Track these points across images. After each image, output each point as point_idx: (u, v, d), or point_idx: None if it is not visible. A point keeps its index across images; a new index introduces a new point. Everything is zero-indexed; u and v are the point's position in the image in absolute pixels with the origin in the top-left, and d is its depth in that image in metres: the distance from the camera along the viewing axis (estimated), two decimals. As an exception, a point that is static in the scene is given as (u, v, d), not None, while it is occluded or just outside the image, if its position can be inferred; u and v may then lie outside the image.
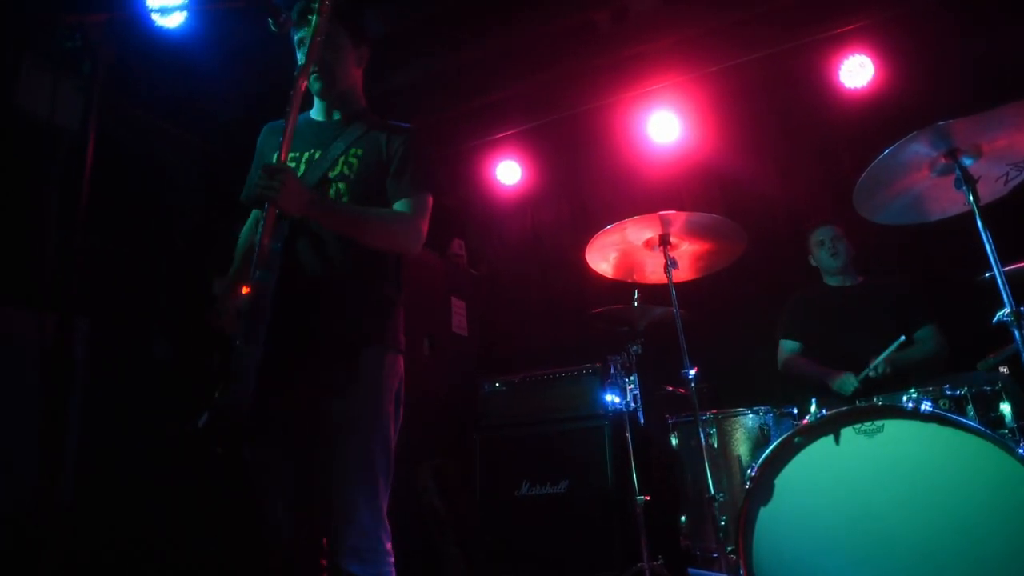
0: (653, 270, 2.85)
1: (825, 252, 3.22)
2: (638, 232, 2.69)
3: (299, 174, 1.85)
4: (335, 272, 1.77)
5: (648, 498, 2.72)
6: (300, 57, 1.86)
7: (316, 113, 2.02)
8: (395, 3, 3.52)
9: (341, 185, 1.82)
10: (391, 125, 1.93)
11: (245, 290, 1.70)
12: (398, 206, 1.83)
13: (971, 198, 2.05)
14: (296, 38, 1.90)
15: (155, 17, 2.49)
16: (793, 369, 3.13)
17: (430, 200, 1.88)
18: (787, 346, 3.22)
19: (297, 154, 1.90)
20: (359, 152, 1.87)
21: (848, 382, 2.75)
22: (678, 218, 2.60)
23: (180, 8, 2.50)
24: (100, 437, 3.15)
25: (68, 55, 1.26)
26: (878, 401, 2.20)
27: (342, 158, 1.86)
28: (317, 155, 1.88)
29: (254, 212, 2.05)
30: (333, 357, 1.70)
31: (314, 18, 1.68)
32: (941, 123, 1.97)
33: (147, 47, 2.72)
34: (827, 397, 2.67)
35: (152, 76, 3.08)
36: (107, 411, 3.20)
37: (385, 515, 1.66)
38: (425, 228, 1.85)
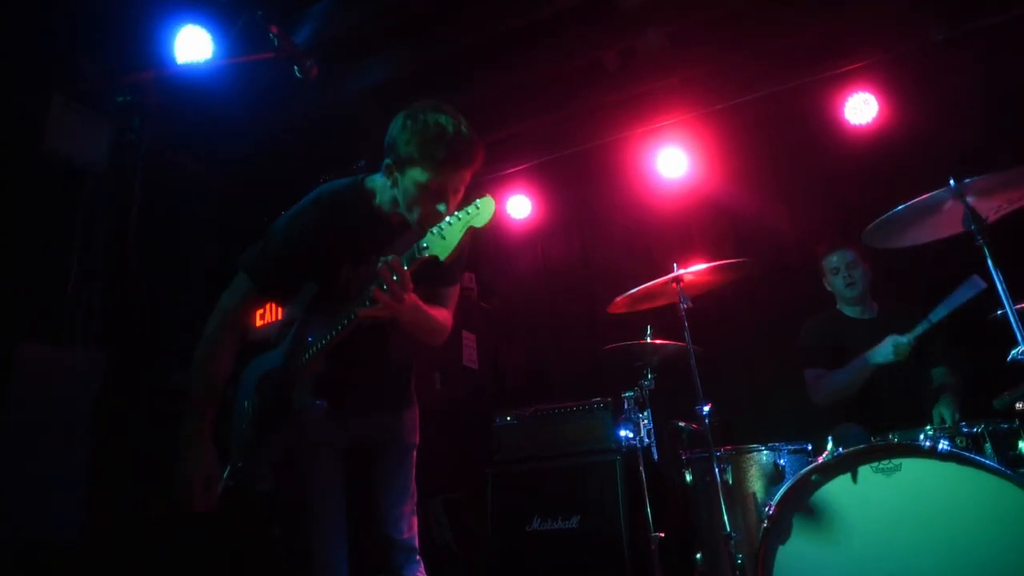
0: (662, 297, 2.87)
1: (840, 280, 3.09)
2: (658, 287, 2.74)
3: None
4: (383, 363, 1.99)
5: (663, 535, 2.71)
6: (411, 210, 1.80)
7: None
8: (411, 44, 3.63)
9: None
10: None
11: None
12: (441, 312, 1.96)
13: (980, 239, 2.08)
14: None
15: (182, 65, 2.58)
16: (829, 384, 2.97)
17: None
18: (814, 372, 3.10)
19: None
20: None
21: (897, 345, 2.65)
22: (692, 270, 2.65)
23: (206, 60, 2.59)
24: (113, 467, 3.17)
25: (118, 109, 1.32)
26: (894, 438, 2.20)
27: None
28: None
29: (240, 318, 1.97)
30: (383, 422, 1.98)
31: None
32: (965, 181, 2.00)
33: (172, 89, 2.81)
34: (841, 431, 2.67)
35: (176, 117, 3.17)
36: (121, 441, 3.21)
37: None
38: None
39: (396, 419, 2.01)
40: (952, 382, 2.87)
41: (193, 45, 2.70)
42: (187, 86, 2.61)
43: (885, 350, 2.70)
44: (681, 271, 2.68)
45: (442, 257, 1.57)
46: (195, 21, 2.69)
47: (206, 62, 2.58)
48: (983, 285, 2.31)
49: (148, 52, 2.58)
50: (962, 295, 2.44)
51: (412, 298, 1.67)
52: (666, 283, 2.73)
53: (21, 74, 2.59)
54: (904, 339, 2.66)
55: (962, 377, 2.90)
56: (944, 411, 2.66)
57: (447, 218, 1.59)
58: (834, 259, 3.13)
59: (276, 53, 1.78)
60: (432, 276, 1.85)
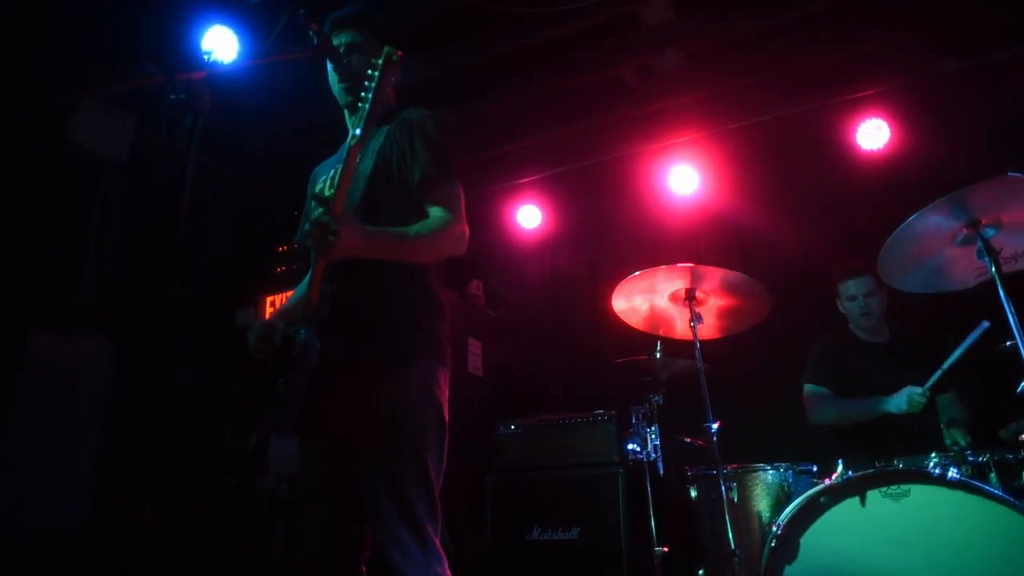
0: (678, 326, 2.91)
1: (856, 308, 3.07)
2: (665, 283, 2.76)
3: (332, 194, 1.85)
4: (376, 293, 1.75)
5: (667, 550, 2.72)
6: (332, 76, 1.94)
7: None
8: (434, 52, 3.66)
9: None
10: (400, 112, 1.91)
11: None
12: (434, 211, 1.78)
13: (993, 269, 2.12)
14: (338, 43, 1.93)
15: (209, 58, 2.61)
16: (832, 410, 2.99)
17: (461, 191, 1.83)
18: (816, 390, 3.11)
19: (331, 174, 1.92)
20: (381, 160, 1.83)
21: (912, 397, 2.64)
22: (705, 272, 2.67)
23: (235, 59, 2.61)
24: (121, 460, 3.17)
25: (171, 107, 1.34)
26: (899, 464, 2.22)
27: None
28: None
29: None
30: (370, 370, 1.68)
31: (375, 77, 1.64)
32: (958, 191, 2.04)
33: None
34: (847, 454, 2.69)
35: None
36: (129, 434, 3.22)
37: (435, 541, 1.62)
38: (466, 225, 1.80)
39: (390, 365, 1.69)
40: (959, 413, 2.88)
41: (221, 45, 2.73)
42: (211, 84, 2.65)
43: (899, 401, 2.69)
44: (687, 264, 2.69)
45: (359, 132, 1.58)
46: (224, 21, 2.72)
47: (236, 60, 2.60)
48: (988, 325, 2.42)
49: (182, 51, 2.60)
50: (972, 338, 2.49)
51: (350, 231, 1.54)
52: (677, 303, 2.78)
53: (51, 67, 2.61)
54: (919, 391, 2.64)
55: (968, 406, 2.92)
56: (957, 436, 2.68)
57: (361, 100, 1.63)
58: (852, 286, 3.08)
59: (316, 51, 1.80)
60: (400, 180, 1.79)
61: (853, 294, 3.08)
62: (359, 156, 1.72)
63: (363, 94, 1.63)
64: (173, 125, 1.37)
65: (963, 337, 2.51)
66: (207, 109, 1.40)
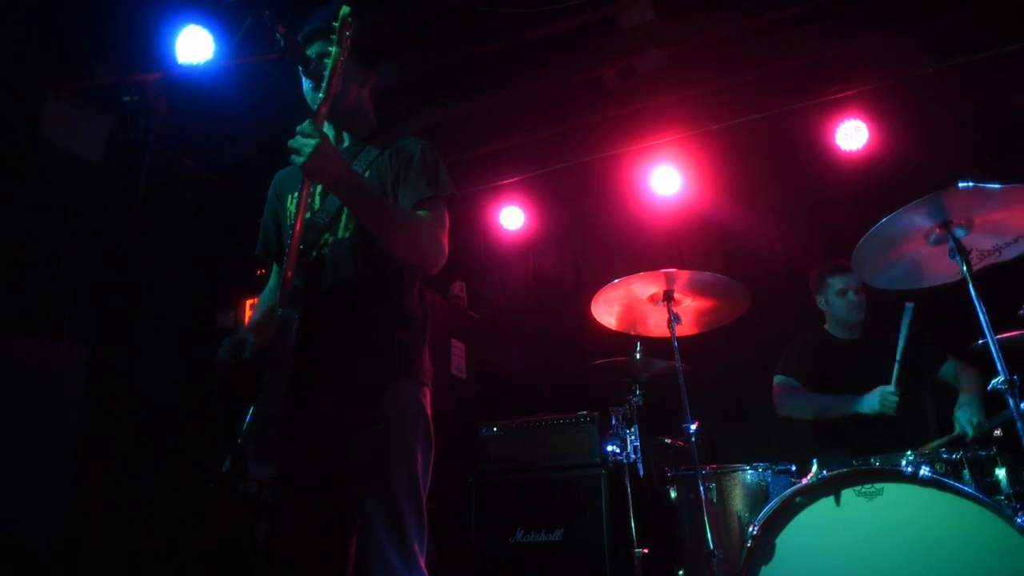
0: (656, 324, 2.92)
1: (846, 304, 3.05)
2: (643, 287, 2.77)
3: (315, 207, 1.84)
4: (358, 306, 1.74)
5: (647, 551, 2.73)
6: (305, 82, 1.90)
7: None
8: (414, 53, 3.65)
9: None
10: (396, 140, 1.91)
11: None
12: (420, 212, 1.77)
13: (964, 268, 2.15)
14: (311, 53, 1.91)
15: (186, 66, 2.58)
16: (803, 403, 2.96)
17: (446, 213, 1.83)
18: (785, 380, 3.09)
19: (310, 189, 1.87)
20: (372, 178, 1.84)
21: (884, 396, 2.61)
22: (683, 275, 2.68)
23: (208, 61, 2.59)
24: (98, 460, 3.13)
25: (124, 108, 1.33)
26: (875, 463, 2.24)
27: None
28: None
29: (275, 270, 2.05)
30: (356, 392, 1.69)
31: (334, 49, 1.68)
32: (936, 193, 2.06)
33: (174, 89, 2.82)
34: (826, 453, 2.70)
35: (176, 117, 3.19)
36: (105, 439, 3.18)
37: (419, 558, 1.61)
38: (446, 241, 1.79)
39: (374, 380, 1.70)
40: (969, 380, 2.77)
41: (195, 46, 2.71)
42: (189, 87, 2.61)
43: (872, 402, 2.68)
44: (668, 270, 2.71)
45: (322, 95, 1.66)
46: (198, 21, 2.70)
47: (209, 63, 2.58)
48: (912, 304, 2.64)
49: (152, 52, 2.58)
50: (905, 323, 2.58)
51: (335, 159, 1.61)
52: (656, 303, 2.79)
53: (21, 64, 2.58)
54: (890, 389, 2.64)
55: (972, 365, 2.80)
56: (961, 416, 2.59)
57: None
58: (841, 281, 3.07)
59: (282, 54, 1.77)
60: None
61: (843, 288, 3.07)
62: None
63: (326, 60, 1.69)
64: (129, 127, 1.34)
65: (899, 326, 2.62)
66: (163, 111, 1.37)
